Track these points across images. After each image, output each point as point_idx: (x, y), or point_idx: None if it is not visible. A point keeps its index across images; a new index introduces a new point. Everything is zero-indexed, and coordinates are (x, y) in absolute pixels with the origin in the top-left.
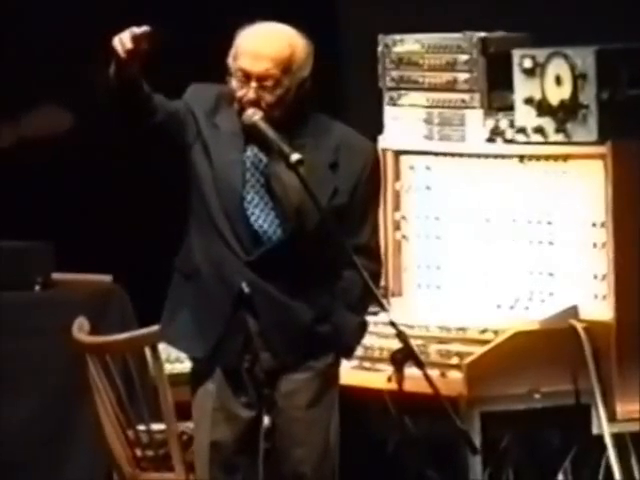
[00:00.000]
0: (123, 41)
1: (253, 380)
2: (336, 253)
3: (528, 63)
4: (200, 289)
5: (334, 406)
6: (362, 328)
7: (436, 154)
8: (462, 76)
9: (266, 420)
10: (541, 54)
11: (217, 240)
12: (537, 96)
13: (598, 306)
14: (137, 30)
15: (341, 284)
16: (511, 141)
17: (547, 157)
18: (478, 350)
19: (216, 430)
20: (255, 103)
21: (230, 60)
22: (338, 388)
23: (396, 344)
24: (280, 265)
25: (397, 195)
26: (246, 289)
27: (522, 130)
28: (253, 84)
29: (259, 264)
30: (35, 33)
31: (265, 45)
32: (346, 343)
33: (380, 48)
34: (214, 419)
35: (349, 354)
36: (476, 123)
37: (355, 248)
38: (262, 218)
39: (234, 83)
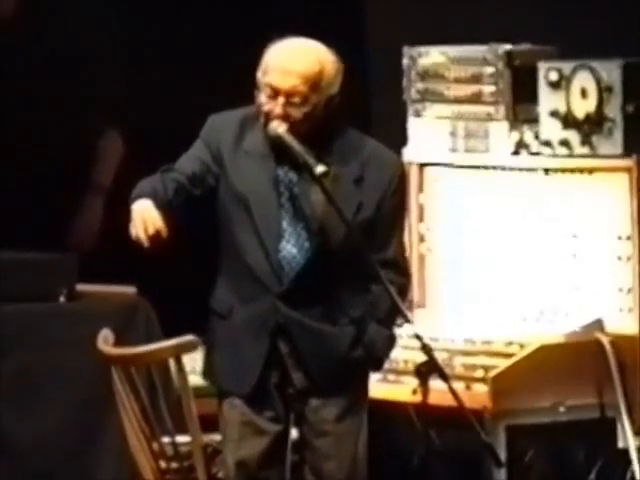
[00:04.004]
0: (141, 240)
1: (282, 395)
2: (364, 267)
3: (554, 76)
4: (236, 328)
5: (363, 419)
6: (391, 341)
7: (461, 166)
8: (487, 88)
9: (294, 433)
10: (567, 67)
11: (247, 276)
12: (562, 109)
13: (623, 319)
14: (151, 229)
15: (370, 298)
16: (536, 154)
17: (572, 170)
18: (503, 363)
19: (243, 445)
20: (282, 118)
21: (259, 75)
22: (367, 401)
23: (421, 357)
24: (311, 288)
25: (421, 207)
26: (281, 320)
27: (547, 143)
28: (281, 100)
29: (291, 292)
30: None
31: (294, 61)
32: (376, 356)
33: (405, 60)
34: (241, 433)
35: (378, 367)
36: (501, 136)
37: (383, 262)
38: (292, 242)
39: (262, 98)
